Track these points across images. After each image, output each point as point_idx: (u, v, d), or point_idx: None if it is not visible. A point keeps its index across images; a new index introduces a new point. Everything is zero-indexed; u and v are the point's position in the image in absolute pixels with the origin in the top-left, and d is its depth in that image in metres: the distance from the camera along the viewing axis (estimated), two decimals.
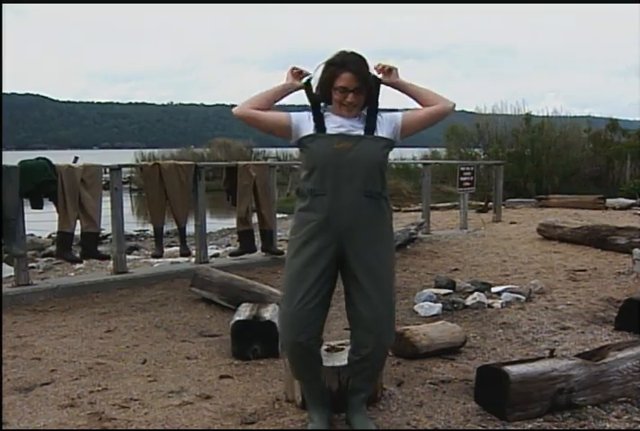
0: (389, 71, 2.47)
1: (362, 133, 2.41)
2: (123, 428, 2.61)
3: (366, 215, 2.38)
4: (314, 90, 2.47)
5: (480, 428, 2.56)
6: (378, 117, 2.47)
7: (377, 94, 2.49)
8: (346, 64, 2.36)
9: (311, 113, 2.46)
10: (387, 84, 2.50)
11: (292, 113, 2.48)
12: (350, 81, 2.35)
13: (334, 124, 2.41)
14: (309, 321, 2.36)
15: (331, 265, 2.40)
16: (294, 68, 2.49)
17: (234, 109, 2.48)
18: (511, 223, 9.68)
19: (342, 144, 2.36)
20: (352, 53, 2.41)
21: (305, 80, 2.49)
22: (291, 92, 2.52)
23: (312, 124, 2.43)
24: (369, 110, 2.46)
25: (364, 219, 2.38)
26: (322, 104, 2.47)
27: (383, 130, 2.45)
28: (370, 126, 2.43)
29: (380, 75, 2.48)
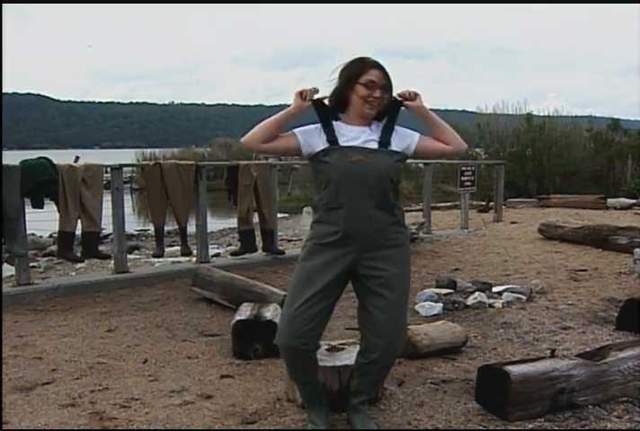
0: (415, 96, 2.47)
1: (376, 146, 2.39)
2: (124, 428, 2.61)
3: (380, 226, 2.37)
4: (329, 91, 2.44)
5: (481, 428, 2.56)
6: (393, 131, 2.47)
7: (396, 115, 2.49)
8: (374, 62, 2.39)
9: (319, 125, 2.42)
10: (411, 107, 2.48)
11: (297, 131, 2.44)
12: (378, 77, 2.36)
13: (345, 137, 2.39)
14: (309, 326, 2.33)
15: (341, 275, 2.39)
16: (301, 92, 2.40)
17: (243, 140, 2.47)
18: (512, 222, 9.68)
19: (356, 157, 2.34)
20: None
21: (314, 97, 2.41)
22: (298, 115, 2.45)
23: (323, 137, 2.40)
24: (385, 128, 2.45)
25: (379, 231, 2.37)
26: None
27: (397, 144, 2.44)
28: (385, 140, 2.42)
29: (407, 102, 2.48)
